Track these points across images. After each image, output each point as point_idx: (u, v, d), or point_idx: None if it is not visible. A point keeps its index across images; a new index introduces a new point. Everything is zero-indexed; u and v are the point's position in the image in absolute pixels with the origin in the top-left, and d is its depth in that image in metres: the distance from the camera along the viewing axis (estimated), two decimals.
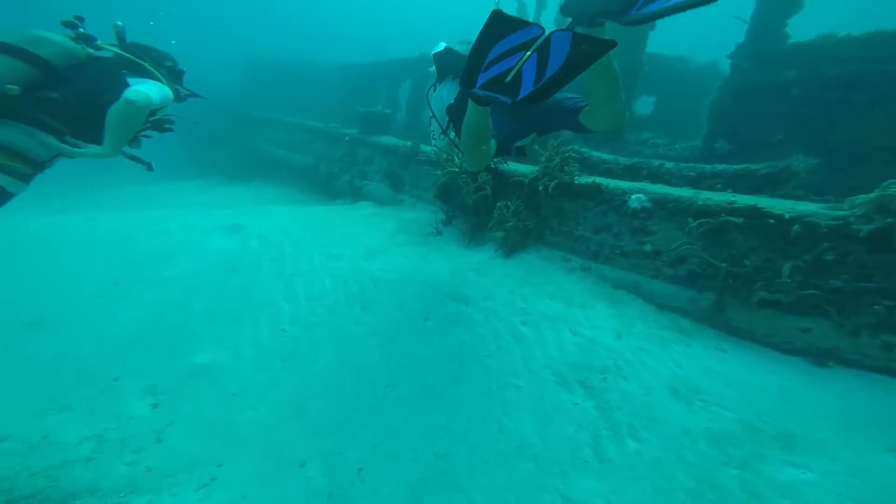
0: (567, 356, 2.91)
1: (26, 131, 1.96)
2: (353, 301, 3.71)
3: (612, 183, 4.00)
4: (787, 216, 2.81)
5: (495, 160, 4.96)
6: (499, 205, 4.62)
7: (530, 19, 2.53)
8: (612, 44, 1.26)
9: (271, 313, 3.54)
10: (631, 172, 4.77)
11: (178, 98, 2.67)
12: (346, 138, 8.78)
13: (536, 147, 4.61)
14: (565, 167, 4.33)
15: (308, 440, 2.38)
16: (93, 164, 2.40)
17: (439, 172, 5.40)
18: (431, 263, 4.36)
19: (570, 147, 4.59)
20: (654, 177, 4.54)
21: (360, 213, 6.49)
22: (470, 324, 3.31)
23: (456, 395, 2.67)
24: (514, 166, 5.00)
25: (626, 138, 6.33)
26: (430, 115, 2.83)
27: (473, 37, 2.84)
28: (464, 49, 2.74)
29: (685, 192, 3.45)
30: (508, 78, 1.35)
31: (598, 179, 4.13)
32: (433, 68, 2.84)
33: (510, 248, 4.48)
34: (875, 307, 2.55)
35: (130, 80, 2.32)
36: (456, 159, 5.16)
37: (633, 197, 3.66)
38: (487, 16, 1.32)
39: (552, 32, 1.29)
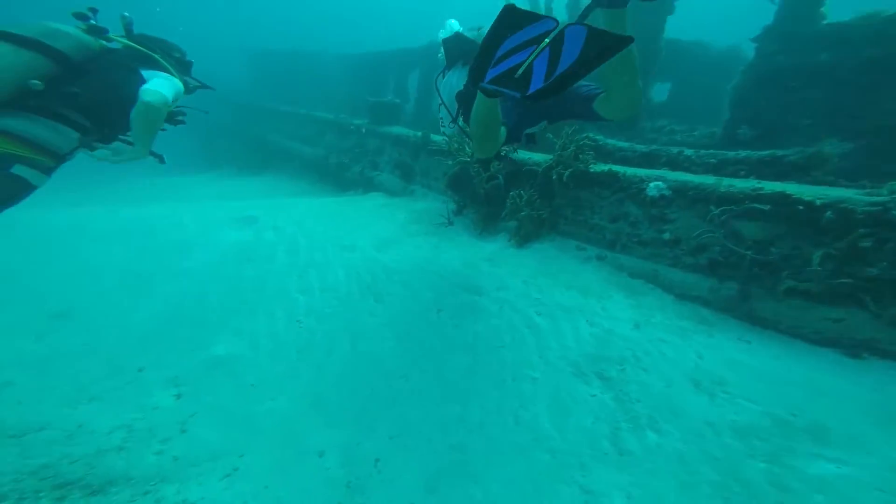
0: (584, 347, 2.87)
1: (49, 125, 1.99)
2: (367, 292, 3.71)
3: (629, 171, 3.89)
4: (818, 202, 2.68)
5: (506, 148, 4.91)
6: (511, 194, 4.55)
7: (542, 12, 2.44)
8: (628, 40, 1.22)
9: (286, 304, 3.58)
10: (648, 160, 4.63)
11: (188, 90, 2.68)
12: (363, 130, 8.71)
13: (550, 135, 4.51)
14: (580, 155, 4.22)
15: (326, 431, 2.40)
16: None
17: (450, 162, 5.33)
18: (444, 254, 4.33)
19: (585, 135, 4.47)
20: (673, 164, 4.39)
21: (372, 204, 6.48)
22: (484, 314, 3.28)
23: (470, 386, 2.66)
24: (527, 155, 4.90)
25: (642, 125, 6.14)
26: (440, 102, 2.77)
27: (484, 23, 2.77)
28: (474, 35, 2.66)
29: (707, 180, 3.33)
30: (518, 73, 1.31)
31: (615, 167, 4.02)
32: (442, 54, 2.77)
33: (523, 238, 4.41)
34: None
35: (144, 73, 2.33)
36: (467, 148, 5.09)
37: (652, 185, 3.54)
38: (499, 9, 1.28)
39: (566, 26, 1.24)
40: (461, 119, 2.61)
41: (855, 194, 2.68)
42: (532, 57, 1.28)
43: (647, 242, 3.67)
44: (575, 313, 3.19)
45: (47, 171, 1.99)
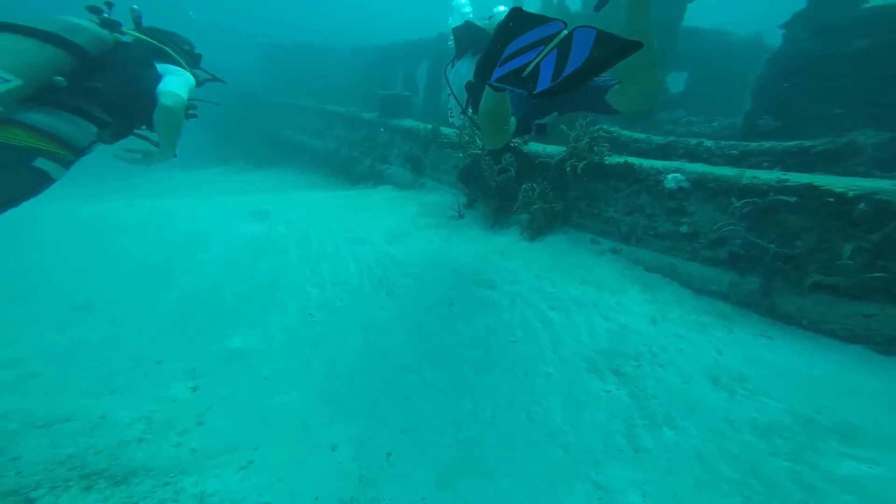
0: (598, 342, 2.82)
1: (70, 119, 2.02)
2: (378, 286, 3.72)
3: (646, 162, 3.77)
4: (850, 194, 2.55)
5: (517, 140, 4.83)
6: (524, 187, 4.47)
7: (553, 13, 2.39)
8: (638, 45, 1.23)
9: (299, 298, 3.61)
10: (665, 151, 4.48)
11: (198, 83, 2.69)
12: (382, 129, 8.65)
13: (563, 127, 4.41)
14: (595, 147, 4.11)
15: (338, 425, 2.43)
16: (114, 150, 2.49)
17: (461, 155, 5.27)
18: (455, 247, 4.30)
19: (600, 126, 4.35)
20: (692, 156, 4.23)
21: (382, 197, 6.48)
22: (496, 309, 3.25)
23: (482, 381, 2.65)
24: (539, 147, 4.81)
25: (658, 116, 5.96)
26: (449, 92, 2.73)
27: (497, 13, 2.69)
28: (484, 24, 2.60)
29: (728, 171, 3.20)
30: (526, 72, 1.32)
31: (631, 159, 3.90)
32: (452, 42, 2.71)
33: (536, 231, 4.35)
34: None
35: (158, 67, 2.36)
36: (478, 141, 5.01)
37: (670, 176, 3.43)
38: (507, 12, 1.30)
39: (575, 28, 1.24)
40: (470, 109, 2.56)
41: (891, 185, 2.53)
42: (539, 58, 1.29)
43: (663, 235, 3.57)
44: (589, 308, 3.13)
45: (66, 165, 2.03)
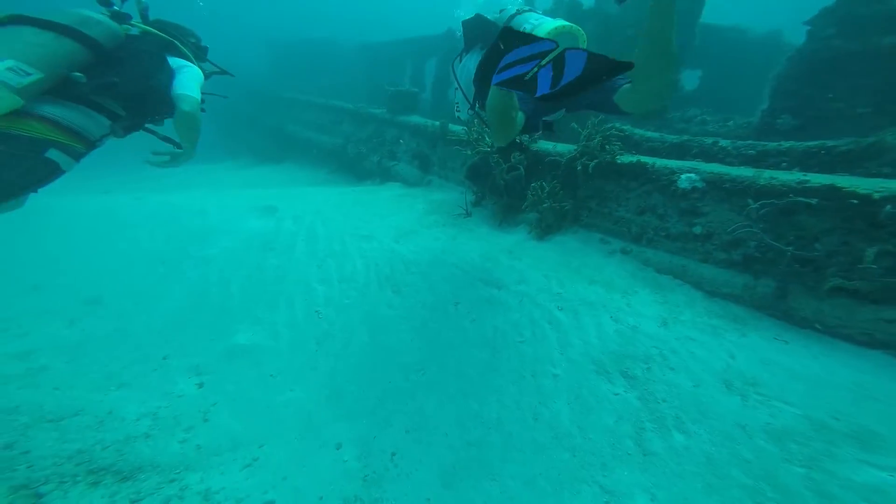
0: (607, 344, 2.77)
1: (85, 112, 2.05)
2: (385, 283, 3.70)
3: (659, 162, 3.69)
4: (875, 196, 2.46)
5: (526, 139, 4.77)
6: (533, 185, 4.42)
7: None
8: (628, 65, 1.29)
9: (306, 295, 3.60)
10: (679, 151, 4.39)
11: (205, 75, 2.70)
12: (401, 142, 8.61)
13: (575, 125, 4.35)
14: (606, 146, 4.04)
15: (343, 423, 2.42)
16: (125, 144, 2.52)
17: (469, 153, 5.22)
18: (462, 245, 4.26)
19: (612, 125, 4.28)
20: (707, 155, 4.14)
21: (389, 194, 6.46)
22: (503, 308, 3.22)
23: (488, 381, 2.62)
24: (549, 145, 4.75)
25: (671, 115, 5.84)
26: (456, 86, 2.69)
27: (508, 6, 2.64)
28: (495, 18, 2.55)
29: (745, 172, 3.12)
30: (527, 77, 1.39)
31: (644, 158, 3.83)
32: (461, 33, 2.66)
33: (544, 230, 4.30)
34: None
35: (170, 60, 2.37)
36: (486, 138, 4.96)
37: (684, 176, 3.35)
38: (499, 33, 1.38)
39: (565, 51, 1.31)
40: (478, 105, 2.53)
41: None
42: (535, 69, 1.36)
43: (675, 236, 3.50)
44: (598, 309, 3.08)
45: (77, 157, 2.05)
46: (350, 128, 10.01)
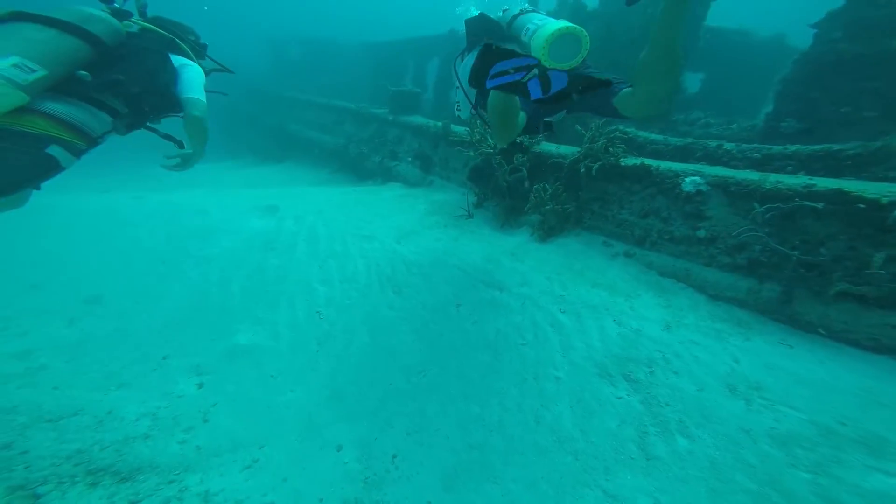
0: (610, 347, 2.76)
1: (88, 109, 2.04)
2: (386, 284, 3.68)
3: (663, 164, 3.68)
4: (884, 200, 2.44)
5: (529, 140, 4.76)
6: (536, 187, 4.40)
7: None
8: (606, 83, 1.44)
9: (307, 295, 3.59)
10: (683, 154, 4.37)
11: (205, 73, 2.69)
12: (399, 131, 8.61)
13: (578, 127, 4.33)
14: (610, 148, 4.03)
15: (344, 424, 2.40)
16: (127, 143, 2.52)
17: (471, 153, 5.21)
18: (464, 247, 4.25)
19: (616, 127, 4.26)
20: (711, 159, 4.12)
21: (391, 195, 6.44)
22: (505, 311, 3.20)
23: (490, 384, 2.61)
24: (552, 147, 4.74)
25: (675, 118, 5.82)
26: (457, 85, 2.68)
27: (511, 6, 2.63)
28: (499, 18, 2.54)
29: (750, 175, 3.10)
30: (519, 83, 1.49)
31: (648, 161, 3.81)
32: (463, 31, 2.65)
33: (547, 232, 4.28)
34: None
35: (173, 58, 2.37)
36: (489, 139, 4.95)
37: (688, 179, 3.34)
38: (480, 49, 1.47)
39: (546, 70, 1.45)
40: (479, 105, 2.51)
41: None
42: (525, 78, 1.46)
43: (679, 240, 3.48)
44: (601, 312, 3.07)
45: (78, 154, 2.04)
46: (352, 128, 10.00)
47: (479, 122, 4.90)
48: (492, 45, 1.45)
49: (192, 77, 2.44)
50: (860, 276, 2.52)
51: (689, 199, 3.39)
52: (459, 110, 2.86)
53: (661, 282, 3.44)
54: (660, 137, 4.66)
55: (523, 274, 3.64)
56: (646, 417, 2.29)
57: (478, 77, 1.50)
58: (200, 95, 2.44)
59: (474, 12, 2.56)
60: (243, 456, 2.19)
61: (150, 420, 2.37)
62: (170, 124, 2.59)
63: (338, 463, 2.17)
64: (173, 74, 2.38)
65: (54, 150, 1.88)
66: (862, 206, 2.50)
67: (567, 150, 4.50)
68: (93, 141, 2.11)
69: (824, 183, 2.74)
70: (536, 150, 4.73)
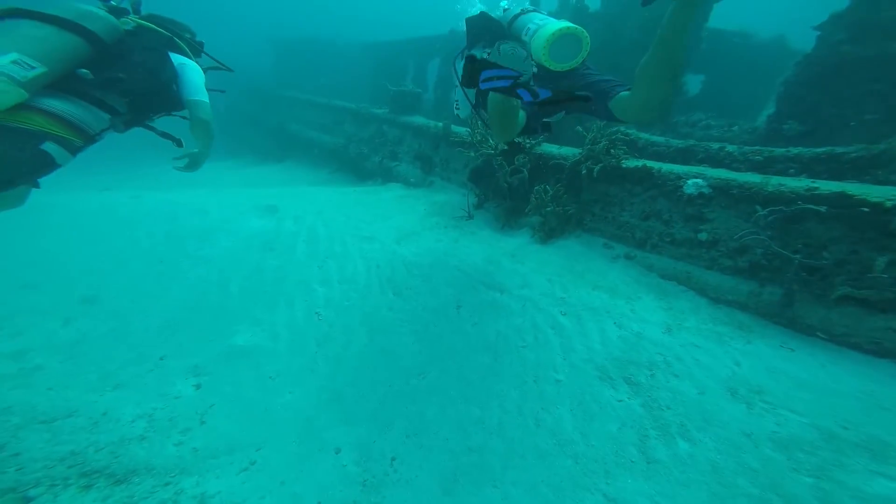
0: (611, 350, 2.74)
1: (86, 107, 2.04)
2: (386, 285, 3.66)
3: (665, 167, 3.66)
4: (888, 204, 2.43)
5: (530, 141, 4.75)
6: (536, 189, 4.39)
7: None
8: (587, 98, 1.53)
9: (306, 296, 3.56)
10: (684, 156, 4.36)
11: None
12: (399, 131, 8.59)
13: (580, 128, 4.32)
14: (612, 150, 4.02)
15: (342, 426, 2.38)
16: (128, 142, 2.52)
17: (472, 154, 5.19)
18: (464, 248, 4.23)
19: (617, 129, 4.25)
20: (713, 161, 4.11)
21: (391, 195, 6.42)
22: (505, 313, 3.18)
23: (490, 386, 2.59)
24: (553, 148, 4.72)
25: (675, 119, 5.82)
26: (456, 84, 2.67)
27: (512, 5, 2.63)
28: (500, 17, 2.53)
29: (753, 178, 3.09)
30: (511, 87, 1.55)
31: (649, 163, 3.80)
32: (464, 29, 2.64)
33: (547, 234, 4.26)
34: None
35: (173, 58, 2.36)
36: (490, 140, 4.94)
37: (690, 182, 3.32)
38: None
39: (531, 83, 1.55)
40: (478, 104, 2.51)
41: None
42: (513, 87, 1.53)
43: (680, 242, 3.47)
44: (602, 314, 3.05)
45: (74, 152, 2.03)
46: (352, 128, 9.98)
47: (479, 122, 4.89)
48: (474, 57, 1.52)
49: (193, 78, 2.45)
50: (862, 280, 2.51)
51: (690, 201, 3.38)
52: (458, 109, 2.86)
53: (663, 284, 3.43)
54: (661, 139, 4.65)
55: (524, 276, 3.63)
56: (647, 421, 2.27)
57: (470, 80, 1.56)
58: (204, 97, 2.48)
59: (476, 9, 2.55)
60: (240, 458, 2.16)
61: (146, 421, 2.34)
62: (169, 123, 2.58)
63: (336, 466, 2.15)
64: (173, 73, 2.37)
65: (49, 147, 1.87)
66: (865, 209, 2.49)
67: (568, 151, 4.49)
68: (90, 138, 2.09)
69: (827, 186, 2.72)
70: (538, 151, 4.72)
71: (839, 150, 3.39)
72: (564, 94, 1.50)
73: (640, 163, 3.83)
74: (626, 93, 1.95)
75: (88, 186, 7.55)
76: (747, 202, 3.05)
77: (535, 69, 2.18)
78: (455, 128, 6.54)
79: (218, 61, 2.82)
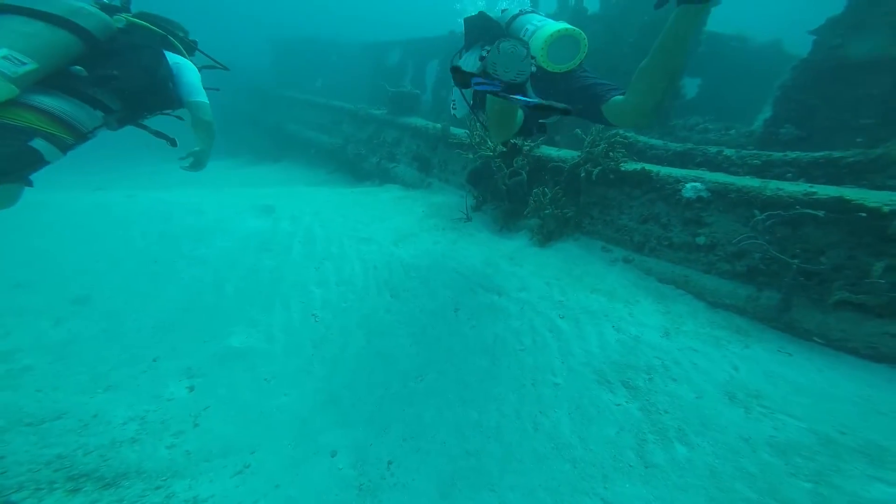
0: (609, 354, 2.73)
1: (78, 104, 2.02)
2: (384, 287, 3.64)
3: (664, 170, 3.67)
4: (885, 209, 2.44)
5: (529, 144, 4.75)
6: (535, 191, 4.38)
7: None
8: (567, 111, 1.52)
9: (302, 297, 3.53)
10: (682, 159, 4.38)
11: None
12: (398, 132, 8.58)
13: (578, 131, 4.33)
14: (610, 153, 4.02)
15: (339, 430, 2.35)
16: (123, 141, 2.51)
17: (471, 156, 5.19)
18: (462, 250, 4.21)
19: (616, 132, 4.26)
20: (711, 165, 4.13)
21: (389, 196, 6.40)
22: (503, 316, 3.17)
23: (488, 390, 2.57)
24: (552, 151, 4.73)
25: (673, 123, 5.85)
26: (453, 84, 2.66)
27: (511, 7, 2.63)
28: (499, 18, 2.53)
29: (751, 182, 3.10)
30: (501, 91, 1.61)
31: (648, 166, 3.81)
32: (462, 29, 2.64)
33: (546, 237, 4.26)
34: None
35: (168, 57, 2.34)
36: (489, 142, 4.93)
37: (689, 185, 3.33)
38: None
39: (516, 95, 1.61)
40: (475, 102, 2.50)
41: None
42: (504, 89, 1.59)
43: (678, 246, 3.47)
44: (600, 318, 3.05)
45: (65, 149, 2.00)
46: (350, 128, 9.96)
47: (477, 124, 4.89)
48: (458, 68, 1.58)
49: (191, 78, 2.44)
50: (860, 285, 2.52)
51: (689, 205, 3.38)
52: (455, 109, 2.85)
53: (661, 288, 3.43)
54: (660, 143, 4.67)
55: (522, 278, 3.62)
56: (644, 425, 2.26)
57: (463, 81, 1.61)
58: (204, 98, 2.50)
59: (475, 9, 2.54)
60: (234, 461, 2.13)
61: (137, 424, 2.30)
62: (164, 123, 2.56)
63: (332, 469, 2.12)
64: (168, 72, 2.34)
65: (38, 144, 1.84)
66: (863, 214, 2.50)
67: (567, 153, 4.49)
68: (82, 136, 2.07)
69: (825, 190, 2.73)
70: (536, 153, 4.72)
71: (836, 154, 3.42)
72: (544, 107, 1.52)
73: (638, 166, 3.84)
74: (620, 97, 1.95)
75: (82, 185, 7.48)
76: (745, 206, 3.06)
77: (534, 68, 2.18)
78: (454, 129, 6.54)
79: (213, 59, 2.79)
